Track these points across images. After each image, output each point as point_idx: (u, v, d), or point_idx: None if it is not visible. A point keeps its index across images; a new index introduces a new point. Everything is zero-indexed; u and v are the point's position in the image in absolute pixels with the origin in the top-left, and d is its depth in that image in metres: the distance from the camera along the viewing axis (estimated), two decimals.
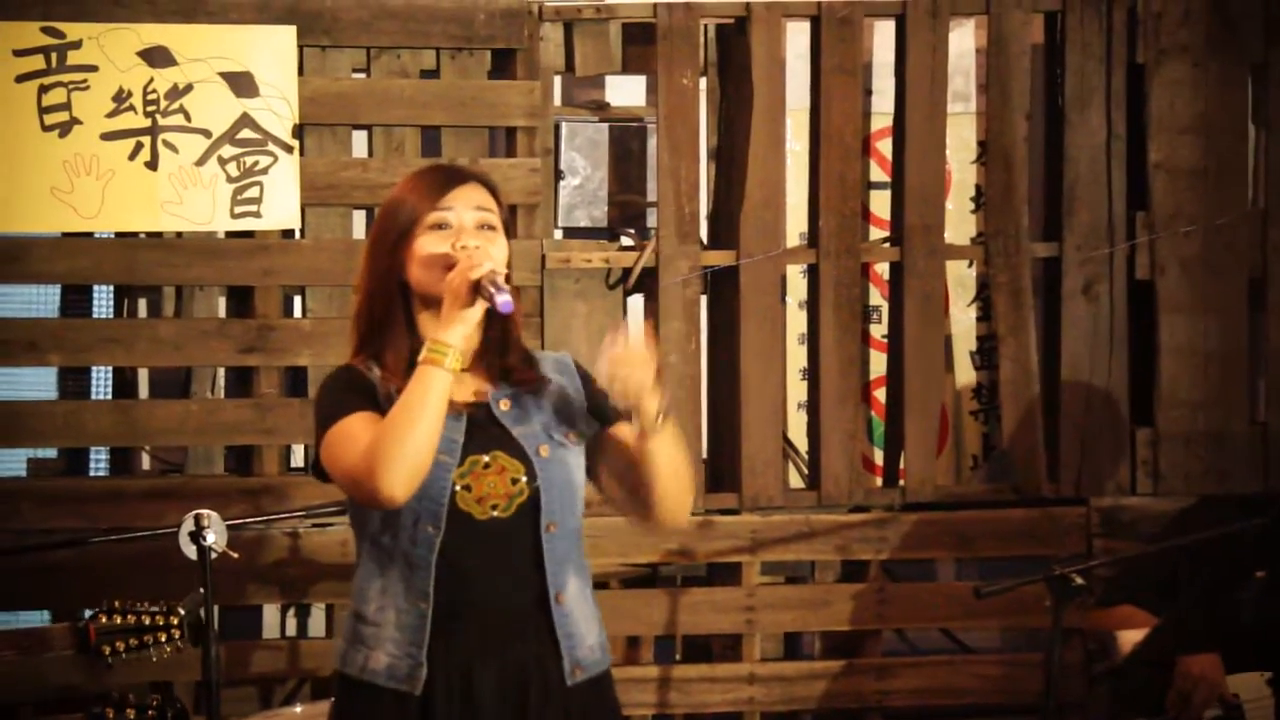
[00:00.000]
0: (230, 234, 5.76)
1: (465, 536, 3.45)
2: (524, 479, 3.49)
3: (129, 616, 4.28)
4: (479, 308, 3.40)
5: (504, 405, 3.55)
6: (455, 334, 3.39)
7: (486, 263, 3.40)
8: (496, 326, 3.56)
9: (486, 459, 3.48)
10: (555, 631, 3.51)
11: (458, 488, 3.45)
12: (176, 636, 4.31)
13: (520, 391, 3.57)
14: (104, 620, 4.26)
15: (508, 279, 3.48)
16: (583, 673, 3.54)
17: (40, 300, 6.16)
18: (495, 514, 3.47)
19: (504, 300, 3.37)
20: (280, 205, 5.71)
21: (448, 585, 3.45)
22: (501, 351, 3.59)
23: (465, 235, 3.49)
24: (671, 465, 3.53)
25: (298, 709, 5.14)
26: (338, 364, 5.66)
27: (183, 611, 4.30)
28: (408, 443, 3.33)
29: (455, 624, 3.46)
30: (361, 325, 3.58)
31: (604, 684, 3.62)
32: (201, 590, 4.42)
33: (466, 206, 3.53)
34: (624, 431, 3.61)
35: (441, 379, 3.37)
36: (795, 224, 6.12)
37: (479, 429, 3.50)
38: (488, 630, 3.47)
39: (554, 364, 3.67)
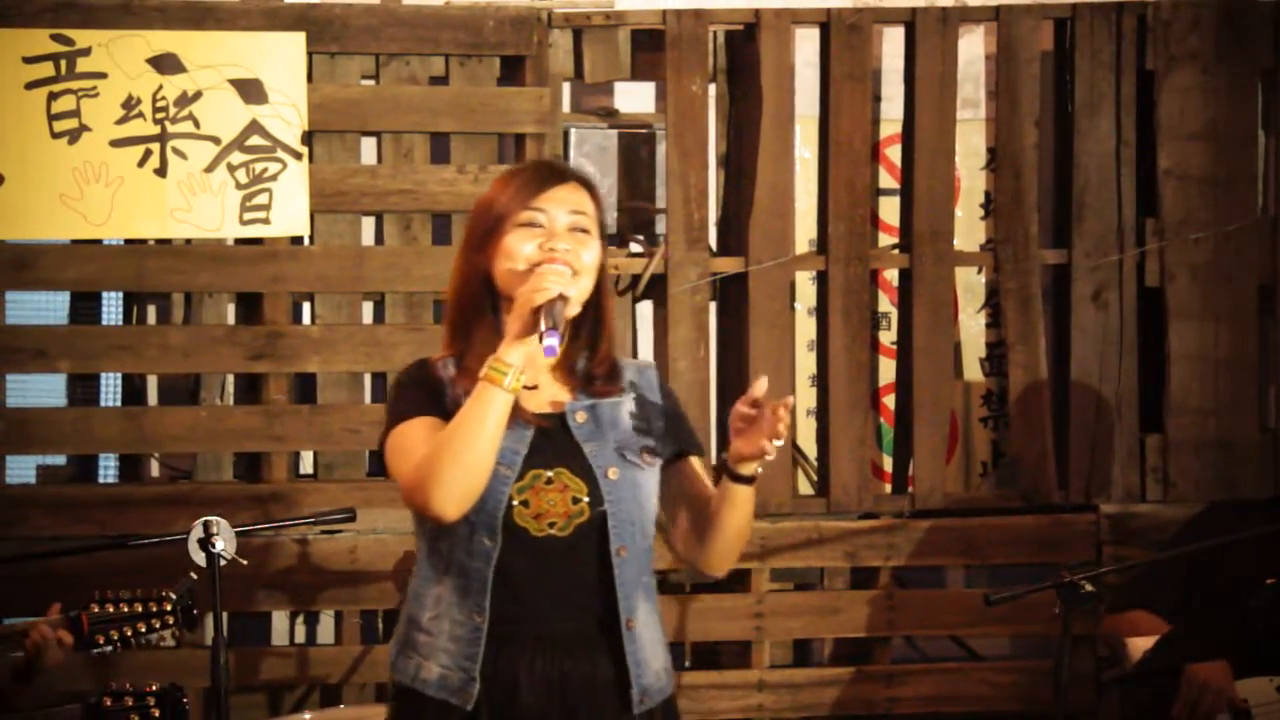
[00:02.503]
0: (239, 241, 5.76)
1: (521, 552, 3.36)
2: (586, 500, 3.39)
3: (121, 605, 4.26)
4: (531, 324, 3.29)
5: (580, 417, 3.44)
6: (517, 354, 3.29)
7: (555, 287, 3.29)
8: (586, 330, 3.48)
9: (549, 474, 3.38)
10: (626, 657, 3.41)
11: (515, 502, 3.35)
12: (171, 623, 4.28)
13: (600, 403, 3.46)
14: (96, 610, 4.25)
15: (599, 287, 3.43)
16: (649, 700, 3.45)
17: (49, 307, 6.17)
18: (552, 532, 3.37)
19: (549, 344, 3.27)
20: (289, 212, 5.71)
21: (502, 600, 3.36)
22: (589, 358, 3.49)
23: (556, 237, 3.39)
24: (742, 528, 3.46)
25: (306, 716, 5.15)
26: (347, 370, 5.76)
27: (175, 597, 4.28)
28: (460, 463, 3.25)
29: (509, 640, 3.37)
30: (450, 323, 3.47)
31: (670, 710, 3.52)
32: (193, 574, 4.40)
33: (561, 207, 3.41)
34: (697, 466, 3.54)
35: (500, 399, 3.26)
36: (804, 230, 6.12)
37: (547, 442, 3.39)
38: (542, 649, 3.38)
39: (636, 373, 3.54)
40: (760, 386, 3.30)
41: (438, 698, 3.38)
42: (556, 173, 3.47)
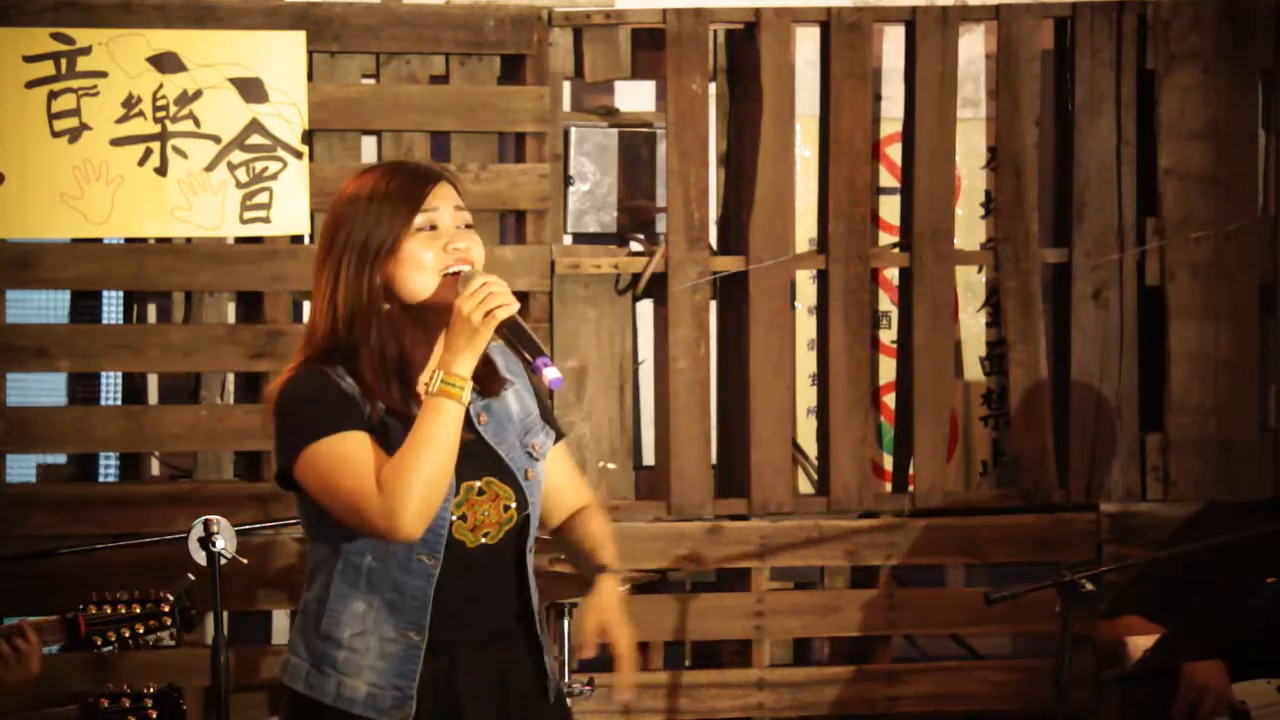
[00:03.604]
0: (239, 240, 5.76)
1: (457, 566, 3.33)
2: (514, 505, 3.38)
3: (119, 606, 4.25)
4: (487, 338, 3.24)
5: (482, 419, 3.39)
6: (468, 366, 3.23)
7: (504, 297, 3.24)
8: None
9: (479, 485, 3.36)
10: (539, 649, 3.44)
11: (454, 517, 3.32)
12: (168, 623, 4.28)
13: (492, 401, 3.42)
14: (94, 611, 4.24)
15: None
16: (555, 686, 3.49)
17: (50, 306, 6.17)
18: (485, 541, 3.36)
19: (556, 376, 3.24)
20: (289, 211, 5.71)
21: (438, 614, 3.33)
22: None
23: (454, 237, 3.33)
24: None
25: None
26: None
27: (172, 598, 4.28)
28: (429, 484, 3.20)
29: (444, 651, 3.35)
30: (333, 328, 3.32)
31: (564, 698, 3.57)
32: (191, 575, 4.40)
33: (446, 205, 3.35)
34: (561, 448, 3.55)
35: (457, 414, 3.22)
36: (804, 229, 6.12)
37: (466, 451, 3.31)
38: (475, 655, 3.37)
39: (503, 356, 3.47)
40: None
41: (365, 715, 3.33)
42: (432, 173, 3.41)
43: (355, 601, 3.34)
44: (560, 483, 3.55)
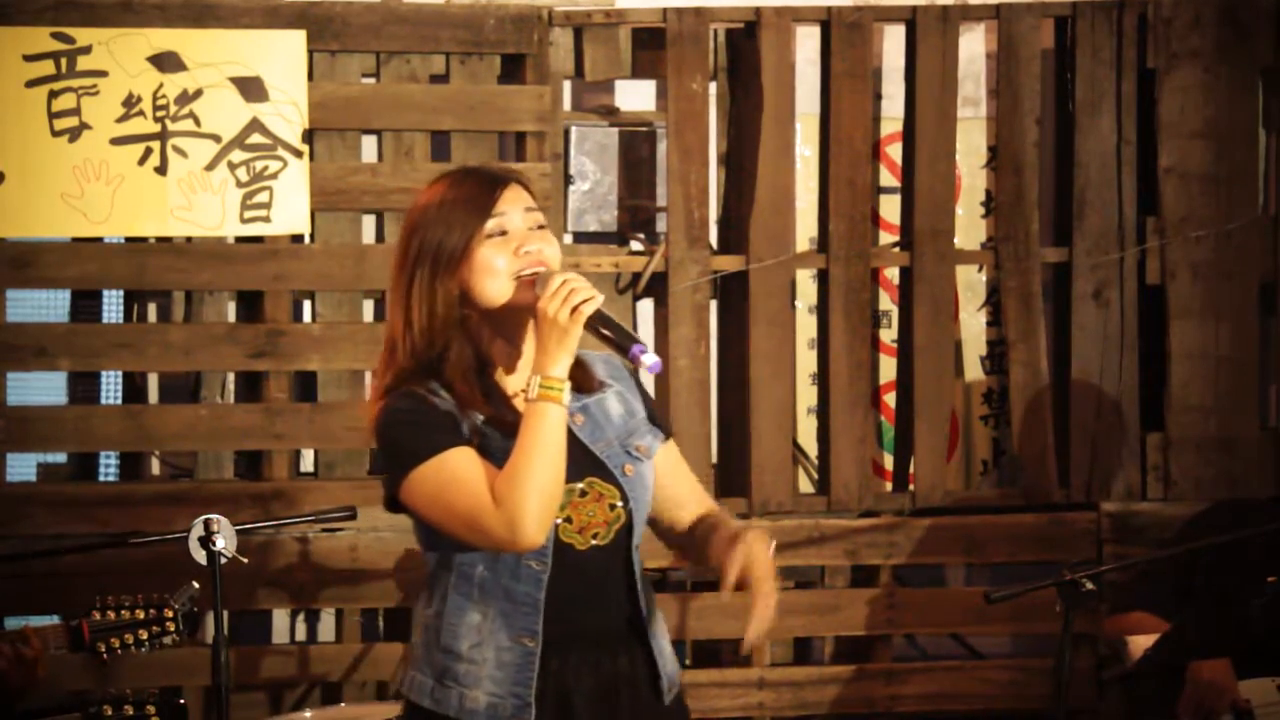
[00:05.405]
0: (240, 239, 5.76)
1: (568, 569, 3.32)
2: (620, 504, 3.36)
3: (122, 612, 4.25)
4: (577, 335, 3.22)
5: (578, 420, 3.37)
6: (563, 367, 3.21)
7: (587, 292, 3.22)
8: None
9: (581, 486, 3.33)
10: (652, 651, 3.41)
11: (559, 520, 3.30)
12: (171, 630, 4.28)
13: (588, 401, 3.40)
14: (97, 617, 4.24)
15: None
16: (674, 688, 3.46)
17: (50, 305, 6.17)
18: (595, 543, 3.34)
19: (654, 361, 3.21)
20: (290, 210, 5.71)
21: (550, 619, 3.31)
22: None
23: (526, 240, 3.32)
24: None
25: (307, 714, 5.15)
26: (348, 368, 5.75)
27: (176, 605, 4.28)
28: (544, 491, 3.19)
29: (558, 656, 3.33)
30: (412, 343, 3.32)
31: (682, 697, 3.52)
32: (195, 584, 4.40)
33: (516, 208, 3.35)
34: (673, 450, 3.52)
35: (560, 416, 3.21)
36: (805, 229, 6.12)
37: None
38: (587, 658, 3.35)
39: (605, 366, 3.48)
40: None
41: None
42: (500, 176, 3.41)
43: (471, 613, 3.33)
44: (677, 485, 3.52)
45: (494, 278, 3.30)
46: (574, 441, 3.32)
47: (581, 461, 3.34)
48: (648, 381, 6.13)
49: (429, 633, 3.38)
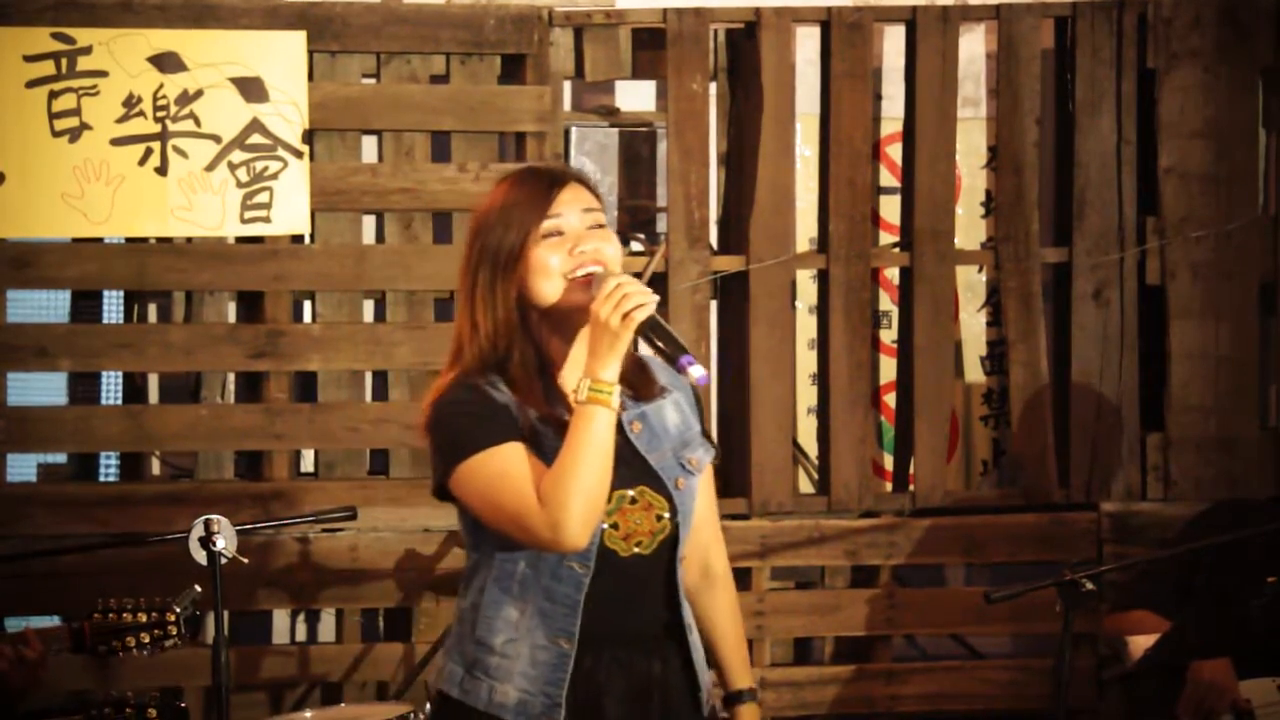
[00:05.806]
0: (240, 239, 5.76)
1: (609, 574, 3.31)
2: (667, 515, 3.35)
3: (124, 615, 4.25)
4: (628, 340, 3.22)
5: (635, 428, 3.37)
6: (613, 371, 3.20)
7: (641, 297, 3.21)
8: None
9: (632, 494, 3.33)
10: (691, 660, 3.42)
11: (605, 525, 3.30)
12: (173, 633, 4.28)
13: (647, 409, 3.40)
14: (100, 619, 4.24)
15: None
16: (710, 700, 3.46)
17: (50, 305, 6.18)
18: (638, 551, 3.33)
19: (702, 374, 3.21)
20: (290, 210, 5.71)
21: (588, 622, 3.30)
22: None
23: (581, 240, 3.32)
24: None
25: (307, 714, 5.14)
26: (348, 369, 5.75)
27: (179, 609, 4.28)
28: (590, 493, 3.18)
29: (591, 655, 3.33)
30: (478, 345, 3.32)
31: (716, 710, 3.53)
32: (197, 587, 4.40)
33: (574, 208, 3.35)
34: (710, 473, 3.52)
35: (609, 419, 3.19)
36: (805, 229, 6.13)
37: (617, 458, 3.26)
38: (621, 663, 3.35)
39: (665, 372, 3.46)
40: None
41: None
42: (558, 176, 3.41)
43: (508, 608, 3.33)
44: (699, 499, 3.49)
45: (547, 277, 3.30)
46: (630, 449, 3.33)
47: (636, 469, 3.34)
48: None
49: (464, 624, 3.38)
